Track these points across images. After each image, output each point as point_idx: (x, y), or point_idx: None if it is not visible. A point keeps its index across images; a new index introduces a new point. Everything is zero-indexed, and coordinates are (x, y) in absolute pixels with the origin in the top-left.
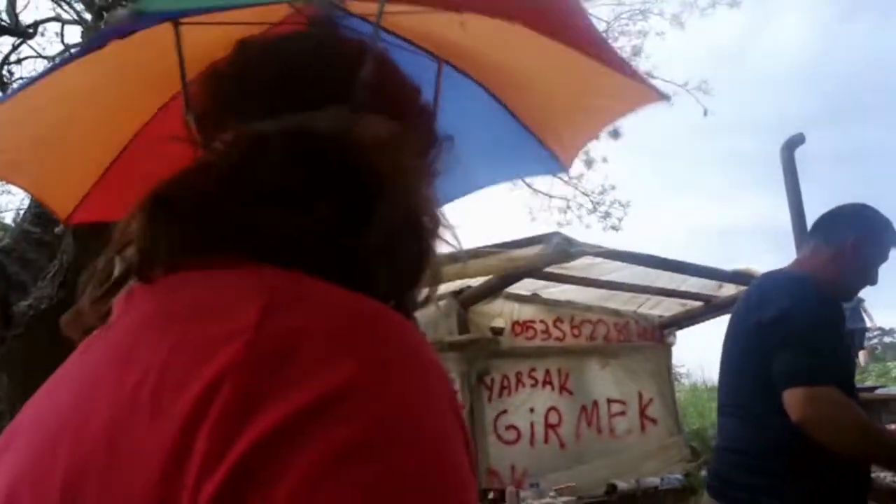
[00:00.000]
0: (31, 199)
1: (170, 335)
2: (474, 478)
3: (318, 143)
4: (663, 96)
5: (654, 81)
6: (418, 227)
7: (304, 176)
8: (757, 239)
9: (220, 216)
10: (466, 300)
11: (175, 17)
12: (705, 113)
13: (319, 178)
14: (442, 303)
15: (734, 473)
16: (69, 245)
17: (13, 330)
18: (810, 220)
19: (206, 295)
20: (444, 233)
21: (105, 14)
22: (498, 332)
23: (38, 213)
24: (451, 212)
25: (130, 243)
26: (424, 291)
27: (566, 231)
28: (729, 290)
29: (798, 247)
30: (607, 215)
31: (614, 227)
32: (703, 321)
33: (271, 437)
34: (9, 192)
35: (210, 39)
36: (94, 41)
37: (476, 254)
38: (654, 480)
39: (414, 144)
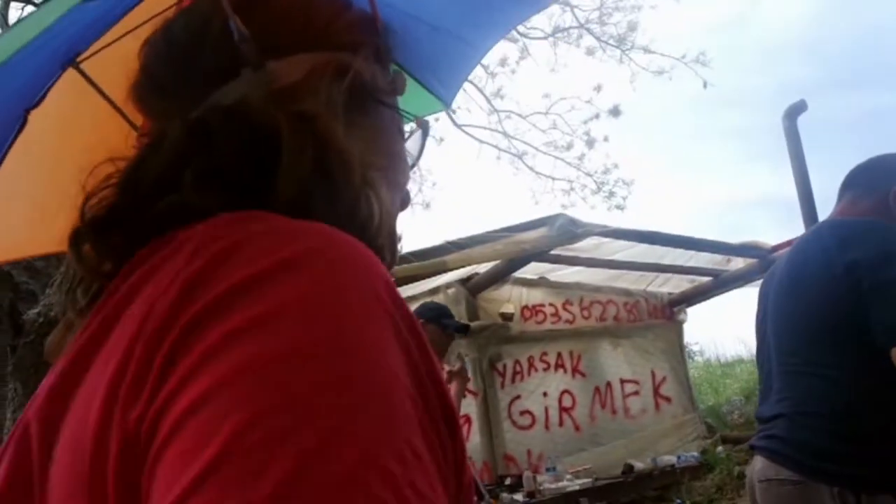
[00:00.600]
0: None
1: (123, 297)
2: (404, 375)
3: (221, 120)
4: None
5: (651, 56)
6: (339, 169)
7: (194, 158)
8: (763, 212)
9: (127, 220)
10: (475, 287)
11: (70, 62)
12: (704, 85)
13: (214, 156)
14: (450, 290)
15: (816, 440)
16: None
17: (24, 338)
18: (816, 187)
19: (162, 256)
20: (396, 165)
21: None
22: (508, 317)
23: None
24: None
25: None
26: (378, 236)
27: (571, 213)
28: (737, 263)
29: (805, 214)
30: (611, 195)
31: (619, 207)
32: (713, 296)
33: (181, 335)
34: None
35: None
36: (9, 128)
37: (481, 239)
38: (670, 459)
39: (330, 72)
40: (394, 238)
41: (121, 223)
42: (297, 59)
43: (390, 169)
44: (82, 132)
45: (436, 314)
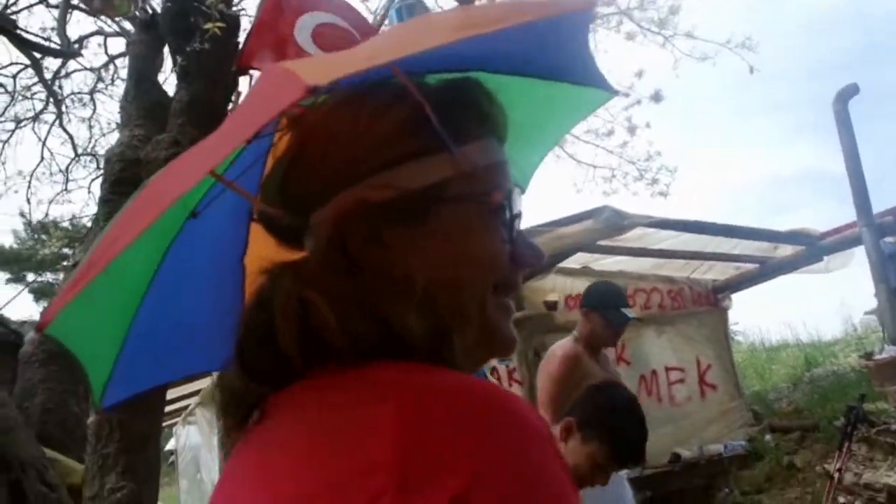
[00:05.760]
0: (100, 215)
1: (308, 452)
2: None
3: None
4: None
5: (694, 41)
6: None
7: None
8: (808, 187)
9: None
10: None
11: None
12: (751, 71)
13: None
14: None
15: None
16: None
17: None
18: (865, 160)
19: (335, 409)
20: (473, 265)
21: (148, 26)
22: (552, 306)
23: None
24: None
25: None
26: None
27: (613, 200)
28: (785, 250)
29: (856, 199)
30: (654, 182)
31: (662, 193)
32: (759, 283)
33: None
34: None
35: None
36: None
37: (526, 234)
38: (717, 448)
39: (358, 211)
40: (492, 331)
41: (276, 350)
42: (332, 205)
43: (467, 271)
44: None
45: (601, 302)
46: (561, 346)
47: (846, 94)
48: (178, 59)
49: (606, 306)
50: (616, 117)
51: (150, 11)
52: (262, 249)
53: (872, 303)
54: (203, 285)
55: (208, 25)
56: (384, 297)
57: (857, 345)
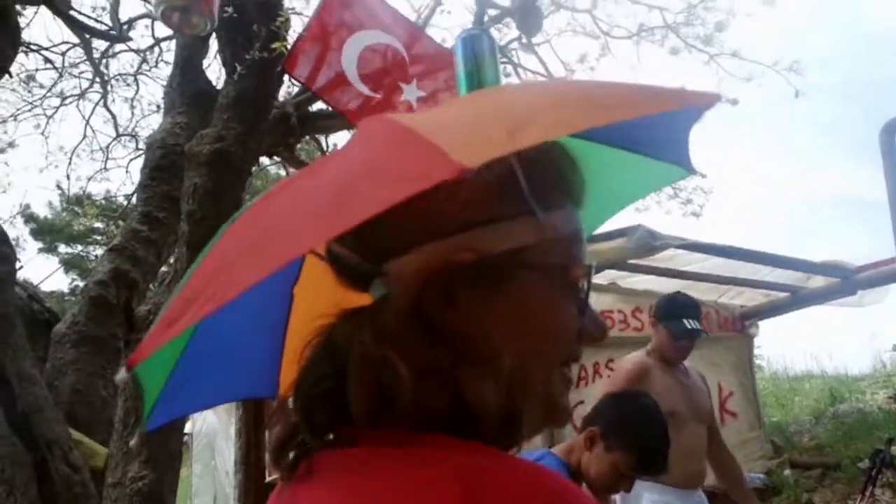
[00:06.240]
0: (139, 200)
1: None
2: None
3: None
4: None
5: (740, 62)
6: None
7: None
8: (842, 212)
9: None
10: None
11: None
12: (797, 94)
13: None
14: None
15: None
16: (182, 254)
17: (136, 334)
18: None
19: (399, 484)
20: (543, 336)
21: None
22: None
23: (145, 213)
24: None
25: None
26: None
27: (644, 217)
28: (818, 281)
29: None
30: (688, 201)
31: (695, 214)
32: (787, 312)
33: None
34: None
35: None
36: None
37: None
38: None
39: (439, 270)
40: (553, 404)
41: (340, 405)
42: (412, 257)
43: (543, 344)
44: (311, 299)
45: (664, 313)
46: (630, 360)
47: (893, 127)
48: (226, 52)
49: (669, 317)
50: None
51: None
52: (320, 284)
53: None
54: (251, 310)
55: (276, 45)
56: (461, 366)
57: (886, 382)
